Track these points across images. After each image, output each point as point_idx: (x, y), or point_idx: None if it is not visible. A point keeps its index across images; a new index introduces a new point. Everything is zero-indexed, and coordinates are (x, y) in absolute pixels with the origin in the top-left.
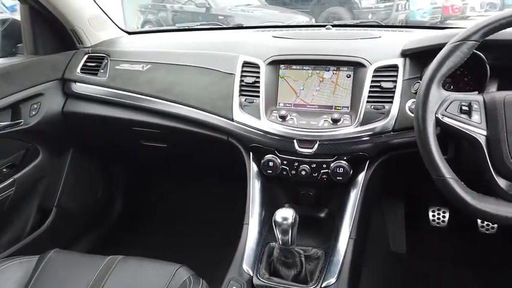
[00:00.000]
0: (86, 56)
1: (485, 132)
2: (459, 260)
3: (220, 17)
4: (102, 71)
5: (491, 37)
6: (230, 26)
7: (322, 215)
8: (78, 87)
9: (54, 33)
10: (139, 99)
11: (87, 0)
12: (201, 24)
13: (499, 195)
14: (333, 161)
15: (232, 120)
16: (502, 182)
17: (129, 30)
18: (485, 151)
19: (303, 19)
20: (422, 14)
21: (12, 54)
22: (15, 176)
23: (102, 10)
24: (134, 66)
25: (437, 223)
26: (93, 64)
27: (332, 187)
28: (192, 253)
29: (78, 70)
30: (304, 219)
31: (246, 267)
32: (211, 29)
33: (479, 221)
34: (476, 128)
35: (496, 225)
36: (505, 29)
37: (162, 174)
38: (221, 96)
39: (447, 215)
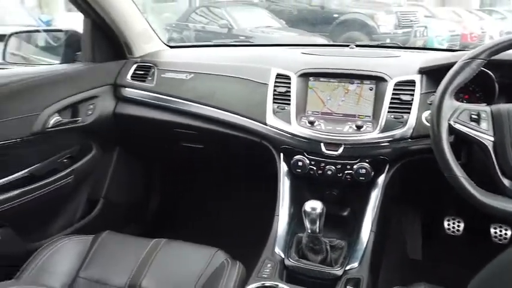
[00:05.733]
0: (135, 65)
1: (492, 138)
2: (473, 266)
3: (241, 37)
4: (149, 78)
5: (496, 57)
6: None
7: (345, 213)
8: (128, 92)
9: (109, 45)
10: (182, 103)
11: (138, 16)
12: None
13: (505, 194)
14: (356, 163)
15: (265, 124)
16: (507, 182)
17: (171, 45)
18: (492, 154)
19: (321, 42)
20: (441, 41)
21: (72, 61)
22: (74, 167)
23: (149, 25)
24: (179, 75)
25: (452, 232)
26: (141, 72)
27: (354, 188)
28: (225, 241)
29: (129, 77)
30: (328, 216)
31: (278, 250)
32: (245, 45)
33: (492, 230)
34: (484, 134)
35: (508, 236)
36: (507, 50)
37: (197, 173)
38: (256, 103)
39: (462, 224)
